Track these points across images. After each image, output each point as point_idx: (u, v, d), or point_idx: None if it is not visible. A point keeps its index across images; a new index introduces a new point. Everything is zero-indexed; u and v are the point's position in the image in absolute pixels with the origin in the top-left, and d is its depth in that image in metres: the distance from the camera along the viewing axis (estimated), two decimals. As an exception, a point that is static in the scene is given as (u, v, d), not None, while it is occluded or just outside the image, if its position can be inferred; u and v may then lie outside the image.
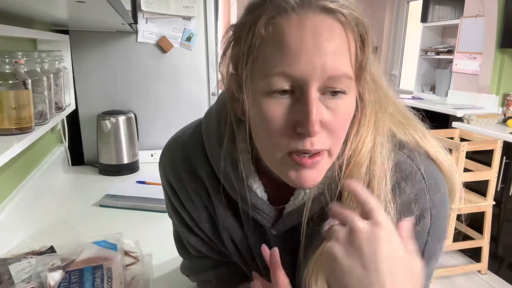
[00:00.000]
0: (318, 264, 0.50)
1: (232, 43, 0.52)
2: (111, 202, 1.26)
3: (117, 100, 1.66)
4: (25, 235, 0.99)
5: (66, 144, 1.66)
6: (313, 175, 0.49)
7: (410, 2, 4.63)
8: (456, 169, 0.57)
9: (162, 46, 1.64)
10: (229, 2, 5.14)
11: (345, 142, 0.52)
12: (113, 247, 0.88)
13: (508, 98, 2.89)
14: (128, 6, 1.44)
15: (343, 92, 0.47)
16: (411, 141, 0.56)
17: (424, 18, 4.04)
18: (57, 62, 1.33)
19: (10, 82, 0.90)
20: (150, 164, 1.68)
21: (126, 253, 0.90)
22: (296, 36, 0.44)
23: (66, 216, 1.14)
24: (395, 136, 0.55)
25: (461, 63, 3.35)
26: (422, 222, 0.52)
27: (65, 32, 1.54)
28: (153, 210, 1.22)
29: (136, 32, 1.62)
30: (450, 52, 3.69)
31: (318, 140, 0.47)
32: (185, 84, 1.71)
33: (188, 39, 1.66)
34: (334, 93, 0.47)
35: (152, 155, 1.71)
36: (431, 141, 0.57)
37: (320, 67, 0.45)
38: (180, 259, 0.82)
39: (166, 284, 0.85)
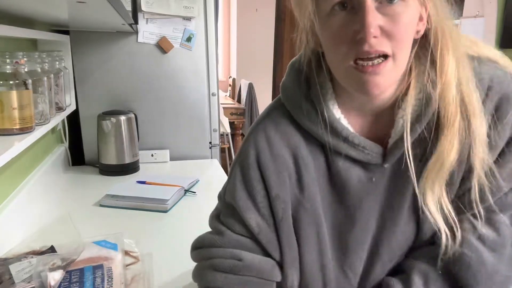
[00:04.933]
0: (432, 175, 0.57)
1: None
2: (112, 202, 1.26)
3: (118, 100, 1.67)
4: (25, 234, 0.99)
5: (66, 144, 1.66)
6: (376, 81, 0.53)
7: (410, 2, 4.62)
8: None
9: (162, 46, 1.65)
10: (229, 2, 5.14)
11: (433, 62, 0.57)
12: (114, 247, 0.88)
13: (508, 98, 2.89)
14: (128, 7, 1.44)
15: None
16: (480, 55, 0.60)
17: (424, 18, 4.03)
18: (57, 62, 1.33)
19: (11, 82, 0.90)
20: (150, 164, 1.69)
21: (126, 253, 0.90)
22: None
23: (66, 216, 1.14)
24: (468, 55, 0.59)
25: (461, 63, 3.35)
26: None
27: (66, 32, 1.55)
28: (153, 210, 1.23)
29: (136, 32, 1.62)
30: (450, 52, 3.69)
31: (377, 43, 0.51)
32: (185, 84, 1.71)
33: (188, 39, 1.66)
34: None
35: (152, 155, 1.71)
36: (491, 49, 0.61)
37: None
38: (180, 259, 0.81)
39: (166, 284, 0.85)
